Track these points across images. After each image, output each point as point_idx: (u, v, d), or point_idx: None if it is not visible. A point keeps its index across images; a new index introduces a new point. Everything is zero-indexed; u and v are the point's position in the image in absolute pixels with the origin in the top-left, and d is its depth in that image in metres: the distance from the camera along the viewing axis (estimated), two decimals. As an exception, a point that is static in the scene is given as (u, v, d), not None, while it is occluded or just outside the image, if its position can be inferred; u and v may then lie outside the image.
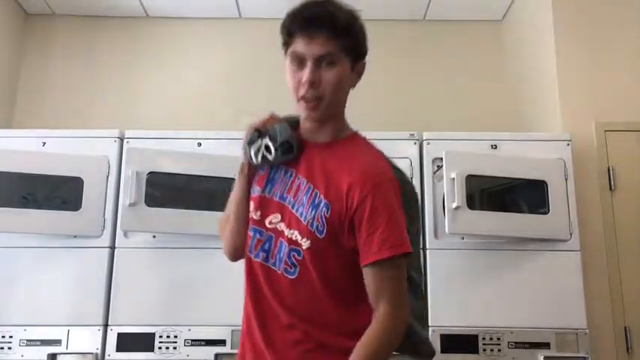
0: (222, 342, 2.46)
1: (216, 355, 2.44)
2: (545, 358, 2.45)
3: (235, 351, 1.56)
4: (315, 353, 1.20)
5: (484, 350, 2.47)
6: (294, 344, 1.21)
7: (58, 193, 2.64)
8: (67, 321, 2.51)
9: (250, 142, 1.32)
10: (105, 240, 2.59)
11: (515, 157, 2.66)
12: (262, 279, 1.27)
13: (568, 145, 2.70)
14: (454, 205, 2.50)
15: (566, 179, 2.64)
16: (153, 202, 2.59)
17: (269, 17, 3.43)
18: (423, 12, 3.73)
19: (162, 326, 2.50)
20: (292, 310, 1.22)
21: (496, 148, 2.70)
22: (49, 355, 2.46)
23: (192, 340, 2.49)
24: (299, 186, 1.27)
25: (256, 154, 1.31)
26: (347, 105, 1.33)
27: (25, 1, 3.66)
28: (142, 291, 2.54)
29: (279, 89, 1.48)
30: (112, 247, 2.60)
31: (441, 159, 2.59)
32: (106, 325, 2.51)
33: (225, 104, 3.52)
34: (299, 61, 1.24)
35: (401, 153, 2.63)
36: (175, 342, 2.49)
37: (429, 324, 2.49)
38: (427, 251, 2.57)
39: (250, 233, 1.32)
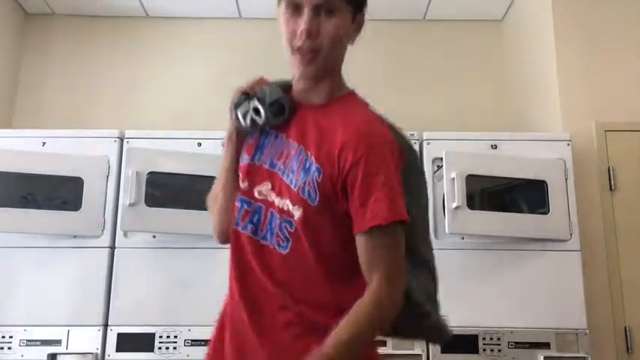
0: (222, 342, 2.46)
1: (216, 355, 2.45)
2: (545, 358, 2.45)
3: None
4: (308, 337, 1.07)
5: (484, 350, 2.47)
6: (286, 326, 1.10)
7: (58, 193, 2.64)
8: (67, 321, 2.51)
9: (237, 105, 1.22)
10: (105, 240, 2.59)
11: (515, 157, 2.66)
12: (250, 253, 1.15)
13: (568, 145, 2.70)
14: (454, 205, 2.50)
15: (566, 179, 2.64)
16: (153, 202, 2.59)
17: (269, 17, 3.42)
18: (423, 12, 3.73)
19: (162, 326, 2.50)
20: (284, 288, 1.11)
21: (496, 148, 2.70)
22: (49, 355, 2.46)
23: (192, 340, 2.49)
24: (290, 151, 1.16)
25: (244, 117, 1.20)
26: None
27: (25, 0, 3.66)
28: (142, 291, 2.54)
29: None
30: (112, 247, 2.60)
31: (441, 159, 2.59)
32: (105, 325, 2.51)
33: (225, 104, 3.51)
34: (294, 8, 1.13)
35: (401, 153, 2.63)
36: (175, 342, 2.49)
37: (429, 324, 2.49)
38: (427, 251, 2.57)
39: (237, 204, 1.19)
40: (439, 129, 2.85)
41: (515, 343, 2.47)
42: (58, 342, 2.48)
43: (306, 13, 1.12)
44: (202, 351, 1.29)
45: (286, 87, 1.23)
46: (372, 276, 1.06)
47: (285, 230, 1.11)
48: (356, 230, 1.08)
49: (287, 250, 1.11)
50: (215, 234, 1.28)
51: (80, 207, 2.59)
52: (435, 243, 2.64)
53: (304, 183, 1.10)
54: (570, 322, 2.49)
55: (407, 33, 3.77)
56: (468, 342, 2.48)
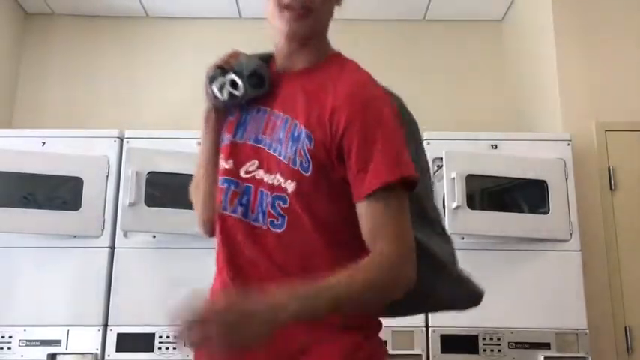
0: (222, 342, 2.46)
1: (216, 355, 2.44)
2: (545, 358, 2.45)
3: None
4: (310, 325, 0.94)
5: (484, 350, 2.47)
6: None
7: (58, 193, 2.64)
8: (67, 321, 2.51)
9: (212, 80, 1.12)
10: (105, 240, 2.59)
11: (515, 157, 2.66)
12: (242, 238, 1.04)
13: (568, 145, 2.70)
14: (454, 205, 2.50)
15: (566, 179, 2.64)
16: (153, 202, 2.59)
17: (269, 17, 3.42)
18: (423, 12, 3.73)
19: (163, 326, 2.50)
20: (282, 271, 1.00)
21: (496, 148, 2.70)
22: (48, 355, 2.46)
23: (192, 340, 2.49)
24: (275, 122, 1.07)
25: (220, 91, 1.10)
26: None
27: (25, 0, 3.66)
28: (142, 291, 2.54)
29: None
30: (112, 247, 2.60)
31: (441, 159, 2.59)
32: (105, 325, 2.51)
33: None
34: None
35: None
36: (175, 342, 2.49)
37: (429, 324, 2.49)
38: (427, 251, 2.57)
39: (223, 185, 1.09)
40: (439, 129, 2.85)
41: (516, 343, 2.47)
42: (57, 342, 2.48)
43: None
44: (202, 351, 1.26)
45: (265, 58, 1.16)
46: (377, 243, 0.95)
47: (277, 208, 1.01)
48: (356, 198, 0.98)
49: (282, 228, 1.01)
50: (200, 224, 1.19)
51: (80, 207, 2.59)
52: (435, 243, 2.65)
53: (294, 153, 1.00)
54: (570, 322, 2.49)
55: (407, 33, 3.77)
56: (468, 342, 2.47)
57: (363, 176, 0.97)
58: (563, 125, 2.88)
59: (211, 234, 1.16)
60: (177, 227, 2.56)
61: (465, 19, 3.77)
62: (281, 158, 1.02)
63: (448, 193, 2.53)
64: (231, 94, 1.10)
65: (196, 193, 1.19)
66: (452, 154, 2.58)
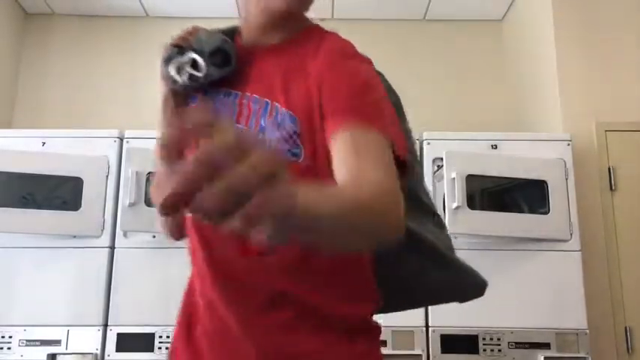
0: (222, 342, 2.46)
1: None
2: (545, 358, 2.44)
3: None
4: (303, 324, 0.84)
5: (484, 350, 2.47)
6: (276, 313, 0.85)
7: (58, 193, 2.63)
8: (67, 321, 2.51)
9: (168, 60, 0.96)
10: (104, 240, 2.59)
11: (515, 157, 2.66)
12: (223, 247, 0.90)
13: (568, 145, 2.70)
14: (454, 205, 2.50)
15: (566, 179, 2.64)
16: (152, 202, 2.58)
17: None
18: (423, 12, 3.73)
19: (162, 326, 2.50)
20: (276, 269, 0.86)
21: (496, 148, 2.70)
22: (48, 355, 2.46)
23: (192, 340, 2.49)
24: (250, 108, 0.91)
25: (179, 72, 0.94)
26: None
27: (25, 0, 3.66)
28: (142, 291, 2.54)
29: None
30: (112, 247, 2.60)
31: (441, 159, 2.59)
32: (105, 325, 2.51)
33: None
34: None
35: (401, 153, 2.63)
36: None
37: (429, 324, 2.49)
38: (427, 251, 2.58)
39: None
40: (439, 129, 2.85)
41: (516, 343, 2.47)
42: (57, 342, 2.48)
43: None
44: (202, 351, 1.25)
45: (229, 32, 1.02)
46: (366, 172, 0.76)
47: None
48: (331, 128, 0.82)
49: None
50: (168, 230, 0.89)
51: (80, 207, 2.59)
52: (435, 243, 2.65)
53: (280, 141, 0.87)
54: (570, 322, 2.49)
55: (407, 33, 3.77)
56: (468, 342, 2.47)
57: (341, 106, 0.84)
58: (563, 125, 2.88)
59: (179, 238, 0.94)
60: (177, 227, 2.55)
61: (465, 19, 3.77)
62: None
63: (448, 193, 2.53)
64: (191, 76, 0.94)
65: (158, 191, 0.98)
66: (452, 154, 2.58)
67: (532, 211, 2.64)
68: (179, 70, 0.95)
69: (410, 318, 2.44)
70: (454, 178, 2.53)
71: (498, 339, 2.48)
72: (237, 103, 0.93)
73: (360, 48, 0.94)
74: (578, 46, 2.99)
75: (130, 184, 2.56)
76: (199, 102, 0.96)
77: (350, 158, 0.78)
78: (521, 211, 2.66)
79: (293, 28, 0.98)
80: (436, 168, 2.65)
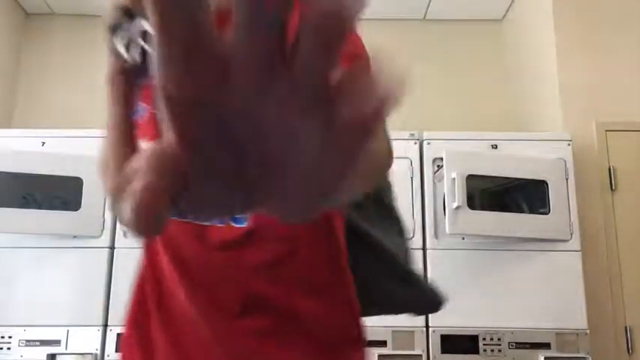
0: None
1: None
2: (545, 358, 2.44)
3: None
4: (281, 333, 0.77)
5: (484, 350, 2.46)
6: (249, 320, 0.77)
7: (58, 193, 2.63)
8: (67, 321, 2.51)
9: (114, 30, 0.79)
10: (105, 240, 2.59)
11: (515, 157, 2.65)
12: (190, 245, 0.81)
13: (568, 145, 2.70)
14: (454, 205, 2.50)
15: (566, 179, 2.63)
16: (153, 202, 2.58)
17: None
18: (423, 12, 3.73)
19: (162, 326, 2.50)
20: (248, 268, 0.79)
21: (496, 148, 2.70)
22: (48, 355, 2.46)
23: (192, 341, 2.49)
24: None
25: (127, 47, 0.77)
26: None
27: (25, 0, 3.66)
28: (142, 291, 2.54)
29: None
30: (112, 247, 2.60)
31: (441, 159, 2.59)
32: (105, 326, 2.51)
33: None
34: None
35: (401, 153, 2.63)
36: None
37: (429, 324, 2.49)
38: (427, 251, 2.57)
39: None
40: (439, 129, 2.85)
41: (516, 343, 2.47)
42: (57, 342, 2.48)
43: None
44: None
45: None
46: None
47: None
48: None
49: (245, 223, 0.78)
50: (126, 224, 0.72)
51: (80, 207, 2.59)
52: (435, 243, 2.67)
53: None
54: (570, 322, 2.49)
55: (407, 33, 3.77)
56: (468, 342, 2.47)
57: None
58: (563, 125, 2.88)
59: (157, 233, 0.80)
60: (177, 227, 2.55)
61: (465, 18, 3.77)
62: None
63: (448, 193, 2.53)
64: (144, 52, 0.75)
65: (107, 174, 0.88)
66: (452, 154, 2.58)
67: (532, 211, 2.64)
68: (128, 45, 0.77)
69: (410, 318, 2.44)
70: (454, 178, 2.53)
71: (498, 339, 2.48)
72: None
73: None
74: (579, 46, 2.99)
75: (130, 184, 2.56)
76: (151, 82, 0.73)
77: None
78: (521, 211, 2.66)
79: None
80: (436, 168, 2.65)
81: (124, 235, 2.60)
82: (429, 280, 1.01)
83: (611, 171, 2.80)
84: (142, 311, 0.87)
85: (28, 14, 3.77)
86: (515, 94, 3.54)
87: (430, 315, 2.47)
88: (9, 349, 2.48)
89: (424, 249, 2.57)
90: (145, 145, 0.81)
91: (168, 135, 0.28)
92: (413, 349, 2.45)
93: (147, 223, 0.29)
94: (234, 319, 0.78)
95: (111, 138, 0.85)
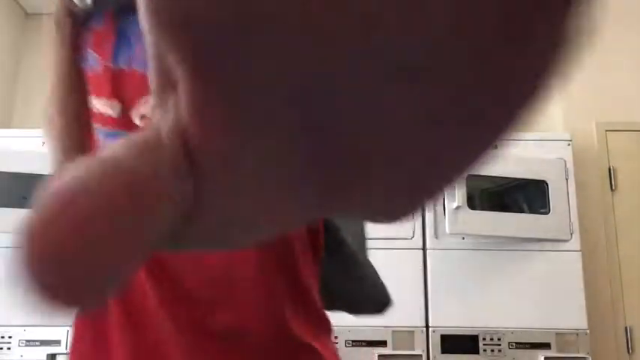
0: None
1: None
2: (545, 358, 2.44)
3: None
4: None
5: (484, 350, 2.46)
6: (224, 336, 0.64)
7: (57, 193, 2.63)
8: (67, 321, 2.51)
9: None
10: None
11: (515, 157, 2.65)
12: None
13: (569, 145, 2.70)
14: (454, 205, 2.50)
15: (566, 179, 2.63)
16: (153, 202, 2.58)
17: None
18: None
19: (162, 326, 2.50)
20: (222, 281, 0.65)
21: (496, 147, 2.70)
22: (48, 355, 2.46)
23: (192, 341, 2.49)
24: None
25: None
26: None
27: (25, 0, 3.66)
28: (142, 291, 2.54)
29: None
30: (112, 247, 2.59)
31: (441, 159, 2.59)
32: (105, 326, 2.51)
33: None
34: None
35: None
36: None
37: (429, 324, 2.49)
38: (427, 251, 2.57)
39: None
40: (439, 129, 2.85)
41: (516, 343, 2.47)
42: (57, 342, 2.48)
43: None
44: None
45: None
46: None
47: None
48: None
49: None
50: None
51: (80, 207, 2.59)
52: (435, 243, 2.67)
53: None
54: (571, 323, 2.49)
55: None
56: (468, 342, 2.47)
57: None
58: (563, 125, 2.88)
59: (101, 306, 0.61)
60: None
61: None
62: None
63: (448, 192, 2.53)
64: None
65: (53, 136, 0.72)
66: (452, 154, 2.58)
67: (532, 211, 2.64)
68: None
69: (410, 318, 2.44)
70: (454, 178, 2.53)
71: (498, 339, 2.48)
72: None
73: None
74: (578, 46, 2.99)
75: (130, 184, 2.55)
76: (104, 28, 0.67)
77: None
78: (521, 211, 2.66)
79: None
80: (436, 168, 2.65)
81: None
82: (379, 279, 0.87)
83: (611, 171, 2.80)
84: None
85: (28, 14, 3.77)
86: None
87: (430, 315, 2.47)
88: (9, 349, 2.48)
89: (424, 249, 2.57)
90: (99, 104, 0.66)
91: (168, 110, 0.16)
92: (413, 349, 2.45)
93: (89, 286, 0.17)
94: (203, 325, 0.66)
95: (57, 94, 0.72)
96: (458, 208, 2.50)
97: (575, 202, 2.61)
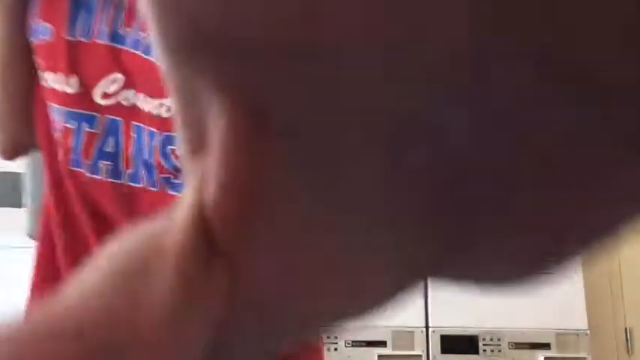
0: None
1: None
2: (545, 358, 2.45)
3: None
4: None
5: (484, 351, 2.46)
6: None
7: (57, 193, 2.64)
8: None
9: None
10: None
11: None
12: (116, 213, 0.63)
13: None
14: (454, 205, 2.50)
15: (566, 179, 2.63)
16: (153, 202, 2.59)
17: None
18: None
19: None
20: None
21: None
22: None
23: (192, 341, 2.49)
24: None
25: None
26: None
27: (25, 1, 3.67)
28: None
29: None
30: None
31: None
32: (105, 326, 2.51)
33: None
34: None
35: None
36: None
37: (429, 324, 2.49)
38: (427, 251, 2.57)
39: (67, 124, 0.62)
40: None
41: (516, 343, 2.47)
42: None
43: None
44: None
45: None
46: None
47: (173, 155, 0.60)
48: None
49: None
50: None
51: (80, 207, 2.59)
52: (435, 243, 2.66)
53: None
54: (571, 323, 2.49)
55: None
56: (468, 342, 2.47)
57: None
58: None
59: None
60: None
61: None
62: None
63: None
64: None
65: None
66: (452, 154, 2.58)
67: (532, 211, 2.64)
68: None
69: (410, 318, 2.44)
70: (454, 178, 2.53)
71: (498, 339, 2.48)
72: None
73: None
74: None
75: (130, 184, 2.56)
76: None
77: None
78: (521, 212, 2.66)
79: None
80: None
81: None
82: None
83: (611, 171, 2.80)
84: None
85: (28, 14, 3.78)
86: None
87: (430, 315, 2.47)
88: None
89: (424, 249, 2.57)
90: (53, 79, 0.59)
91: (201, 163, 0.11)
92: (413, 349, 2.45)
93: None
94: None
95: None
96: (458, 208, 2.50)
97: (575, 202, 2.61)
